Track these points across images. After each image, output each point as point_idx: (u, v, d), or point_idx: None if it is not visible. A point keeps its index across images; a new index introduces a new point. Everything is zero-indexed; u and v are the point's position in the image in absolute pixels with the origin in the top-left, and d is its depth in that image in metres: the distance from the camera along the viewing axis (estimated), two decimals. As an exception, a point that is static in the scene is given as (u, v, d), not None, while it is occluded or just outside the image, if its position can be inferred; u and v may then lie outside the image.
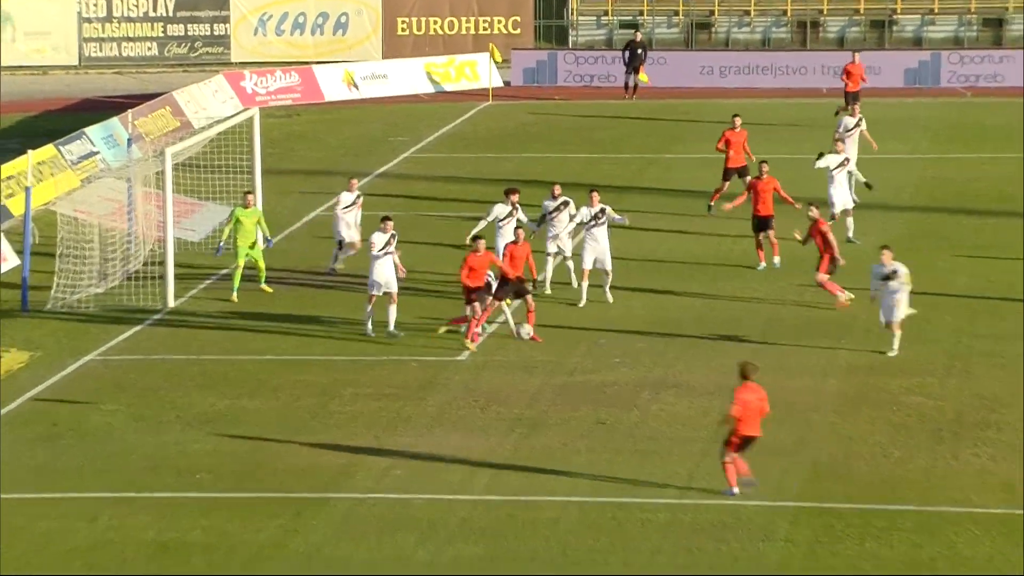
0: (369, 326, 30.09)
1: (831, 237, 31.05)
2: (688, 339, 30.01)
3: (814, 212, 31.33)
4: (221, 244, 33.48)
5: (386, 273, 29.93)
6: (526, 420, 26.13)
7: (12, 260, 35.58)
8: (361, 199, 34.99)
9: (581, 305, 31.72)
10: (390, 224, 30.45)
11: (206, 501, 23.17)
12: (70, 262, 33.21)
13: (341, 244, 34.30)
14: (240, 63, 59.97)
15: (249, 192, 34.19)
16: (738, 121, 38.01)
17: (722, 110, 52.44)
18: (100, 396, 27.53)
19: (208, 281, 34.32)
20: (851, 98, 46.96)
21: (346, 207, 34.43)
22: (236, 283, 32.87)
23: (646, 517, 22.37)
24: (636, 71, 54.14)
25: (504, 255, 29.87)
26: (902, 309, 28.39)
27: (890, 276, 28.27)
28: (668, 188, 41.68)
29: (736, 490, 22.79)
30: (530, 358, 29.02)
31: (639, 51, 54.41)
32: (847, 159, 36.49)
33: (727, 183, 37.94)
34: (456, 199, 40.54)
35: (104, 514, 22.71)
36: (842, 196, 35.82)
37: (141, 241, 35.00)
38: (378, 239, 30.15)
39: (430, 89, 57.23)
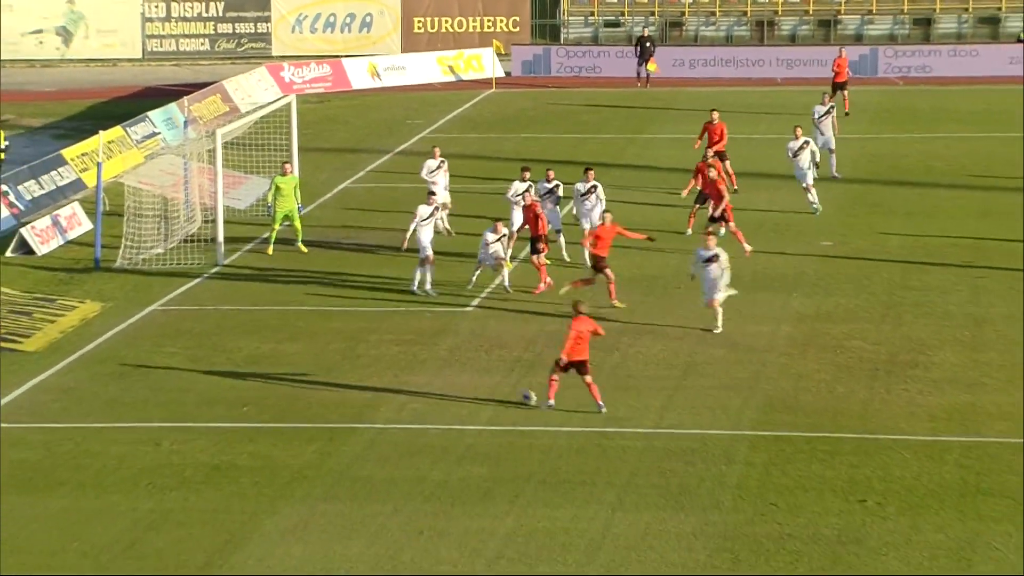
0: (415, 286, 29.59)
1: (725, 194, 31.97)
2: (662, 292, 30.02)
3: (713, 173, 32.11)
4: (269, 206, 33.57)
5: (425, 239, 29.78)
6: (524, 362, 26.15)
7: (86, 224, 35.58)
8: (446, 164, 34.49)
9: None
10: (434, 199, 30.52)
11: (252, 430, 23.23)
12: (135, 226, 33.18)
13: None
14: (280, 56, 59.79)
15: (287, 162, 34.16)
16: (716, 115, 37.70)
17: (691, 97, 52.33)
18: (162, 340, 27.56)
19: (253, 243, 34.30)
20: (838, 87, 46.86)
21: (431, 172, 34.11)
22: (272, 240, 32.95)
23: (626, 444, 22.42)
24: (646, 62, 53.99)
25: (528, 215, 29.93)
26: (722, 290, 27.17)
27: (711, 259, 27.04)
28: (645, 164, 41.58)
29: (552, 403, 23.12)
30: (528, 309, 29.02)
31: (648, 44, 54.26)
32: (807, 141, 36.39)
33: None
34: (465, 175, 40.33)
35: (166, 440, 22.78)
36: (804, 173, 35.82)
37: (196, 209, 34.97)
38: (423, 211, 30.07)
39: (442, 79, 57.06)
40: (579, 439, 22.61)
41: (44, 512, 20.34)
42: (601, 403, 23.38)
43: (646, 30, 55.45)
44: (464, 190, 37.80)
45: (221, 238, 32.81)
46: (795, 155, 35.60)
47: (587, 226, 31.57)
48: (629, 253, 32.83)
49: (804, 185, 35.64)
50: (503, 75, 57.12)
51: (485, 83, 55.81)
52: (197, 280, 31.62)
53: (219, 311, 29.46)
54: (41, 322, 28.67)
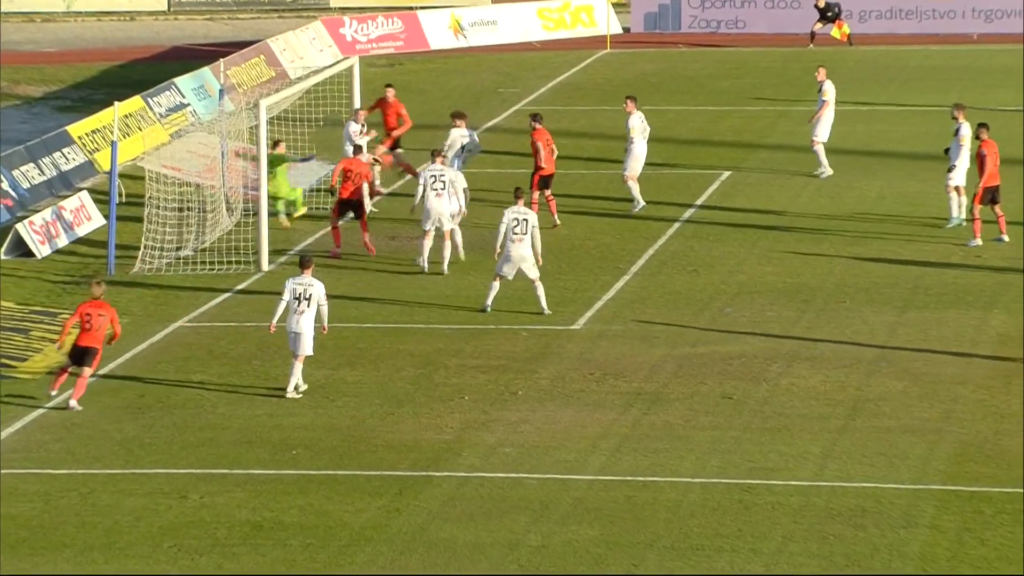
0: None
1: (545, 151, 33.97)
2: (823, 306, 29.82)
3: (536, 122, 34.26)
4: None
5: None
6: (646, 394, 26.10)
7: (96, 220, 35.94)
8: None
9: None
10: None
11: (303, 479, 23.34)
12: (158, 222, 33.49)
13: None
14: (340, 8, 60.18)
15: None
16: (391, 92, 37.48)
17: (862, 59, 51.99)
18: (190, 365, 27.78)
19: (303, 243, 34.49)
20: None
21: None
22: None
23: (776, 500, 22.29)
24: (833, 24, 53.65)
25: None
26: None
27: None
28: (800, 144, 41.29)
29: (71, 403, 25.61)
30: (650, 328, 28.96)
31: (831, 12, 53.89)
32: None
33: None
34: (570, 156, 40.28)
35: (195, 491, 22.94)
36: None
37: (233, 200, 35.23)
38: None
39: (543, 36, 57.14)
40: (716, 493, 22.51)
41: (42, 580, 20.56)
42: (71, 401, 25.50)
43: (822, 0, 54.78)
44: (568, 173, 37.78)
45: (264, 237, 33.04)
46: None
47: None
48: (785, 258, 32.66)
49: None
50: (620, 31, 57.12)
51: (597, 41, 55.84)
52: (233, 290, 31.84)
53: (261, 328, 29.63)
54: (40, 342, 29.02)
